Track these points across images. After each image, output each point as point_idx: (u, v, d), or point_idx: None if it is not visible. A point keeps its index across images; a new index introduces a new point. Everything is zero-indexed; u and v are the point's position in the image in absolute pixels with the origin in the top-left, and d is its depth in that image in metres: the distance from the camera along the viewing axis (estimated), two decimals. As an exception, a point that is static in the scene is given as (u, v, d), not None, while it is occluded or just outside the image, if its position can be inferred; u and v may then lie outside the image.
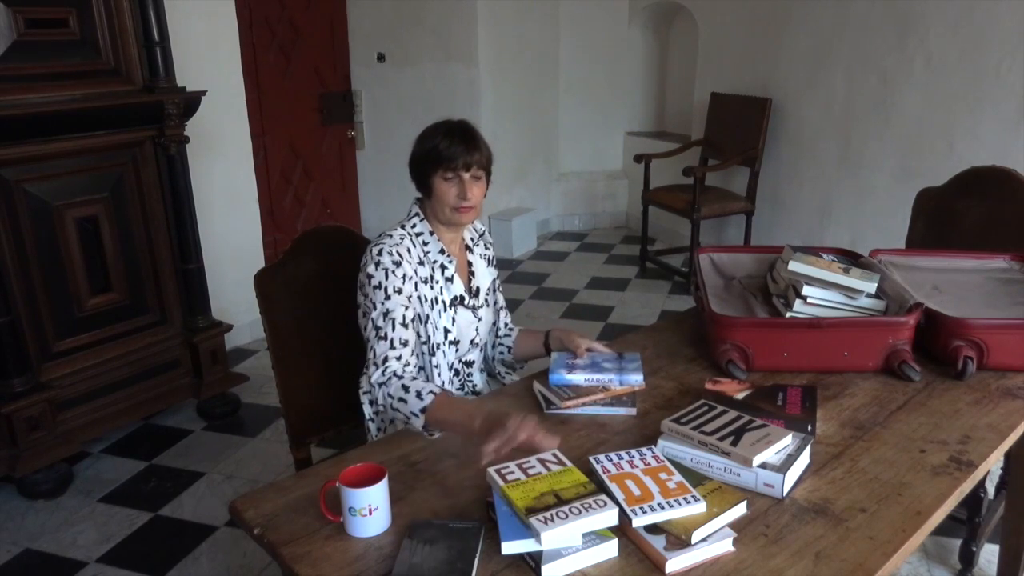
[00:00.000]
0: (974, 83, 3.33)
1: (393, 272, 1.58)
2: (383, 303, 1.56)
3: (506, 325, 1.93)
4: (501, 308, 1.90)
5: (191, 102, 2.83)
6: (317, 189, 4.81)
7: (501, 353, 1.91)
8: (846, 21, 3.86)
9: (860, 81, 3.83)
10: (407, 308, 1.58)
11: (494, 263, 1.87)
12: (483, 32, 4.85)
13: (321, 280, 1.79)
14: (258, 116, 4.15)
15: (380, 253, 1.59)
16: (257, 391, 3.31)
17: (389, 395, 1.48)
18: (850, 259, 1.91)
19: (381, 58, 4.96)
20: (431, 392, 1.44)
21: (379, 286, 1.57)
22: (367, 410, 1.72)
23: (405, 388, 1.47)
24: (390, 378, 1.50)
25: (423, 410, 1.42)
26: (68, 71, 2.55)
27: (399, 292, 1.57)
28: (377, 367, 1.51)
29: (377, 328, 1.55)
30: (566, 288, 4.62)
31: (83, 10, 2.55)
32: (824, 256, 1.86)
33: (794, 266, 1.77)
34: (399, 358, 1.53)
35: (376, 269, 1.58)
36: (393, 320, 1.55)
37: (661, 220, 5.12)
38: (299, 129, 4.59)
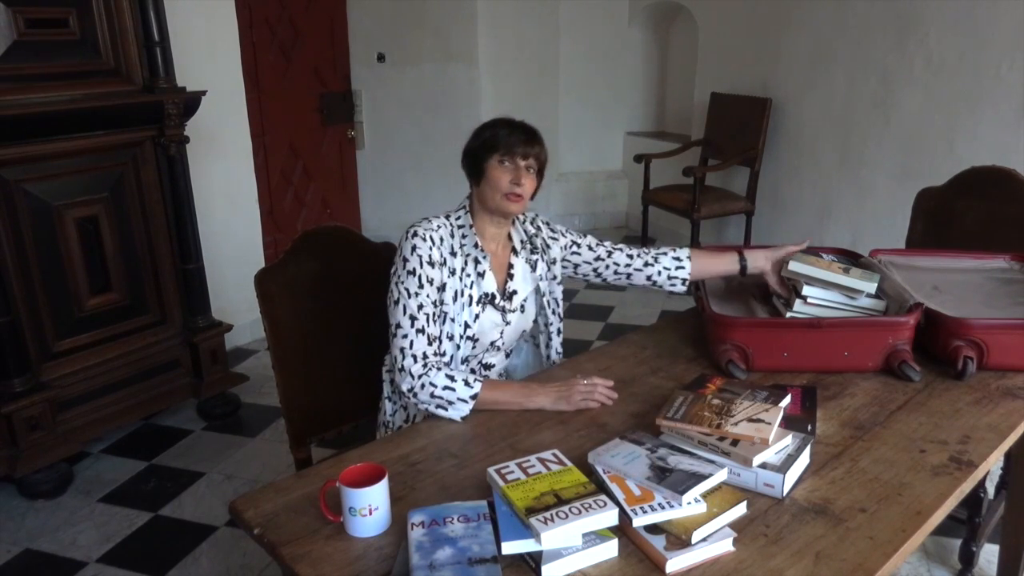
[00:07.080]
0: (974, 83, 3.33)
1: (428, 261, 1.59)
2: (416, 294, 1.57)
3: (672, 257, 1.99)
4: (613, 250, 2.03)
5: (191, 102, 2.83)
6: (317, 189, 4.80)
7: (672, 284, 1.98)
8: (846, 21, 3.86)
9: (860, 81, 3.83)
10: (437, 301, 1.61)
11: (547, 259, 1.85)
12: (483, 32, 4.85)
13: (321, 280, 1.79)
14: (258, 116, 4.15)
15: (415, 235, 1.60)
16: (257, 391, 3.31)
17: (432, 383, 1.52)
18: (850, 259, 1.91)
19: (381, 58, 4.95)
20: (477, 380, 1.53)
21: (413, 272, 1.58)
22: (386, 388, 1.74)
23: (451, 377, 1.52)
24: (430, 369, 1.53)
25: (473, 396, 1.50)
26: (68, 71, 2.54)
27: (431, 282, 1.59)
28: (416, 360, 1.54)
29: (413, 319, 1.56)
30: (566, 288, 4.51)
31: (83, 10, 2.55)
32: (824, 256, 1.86)
33: (794, 266, 1.77)
34: (436, 353, 1.58)
35: (412, 254, 1.59)
36: (428, 315, 1.58)
37: (661, 220, 5.12)
38: (299, 129, 4.59)
